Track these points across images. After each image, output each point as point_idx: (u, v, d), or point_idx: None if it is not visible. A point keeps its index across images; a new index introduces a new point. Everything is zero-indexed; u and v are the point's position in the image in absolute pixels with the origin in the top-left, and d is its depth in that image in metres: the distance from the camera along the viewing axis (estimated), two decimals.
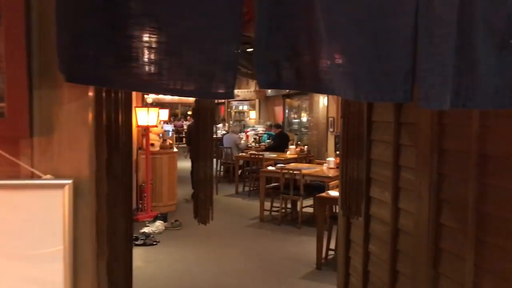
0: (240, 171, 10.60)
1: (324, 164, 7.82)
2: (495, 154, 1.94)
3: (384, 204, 2.85)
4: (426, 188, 2.35)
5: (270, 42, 1.13)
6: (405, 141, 2.66)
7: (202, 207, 2.17)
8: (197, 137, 2.16)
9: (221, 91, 1.12)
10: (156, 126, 7.82)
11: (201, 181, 2.13)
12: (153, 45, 1.10)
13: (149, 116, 7.44)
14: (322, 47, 1.10)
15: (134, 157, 7.49)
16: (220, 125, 17.07)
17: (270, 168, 7.99)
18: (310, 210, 7.51)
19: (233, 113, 19.46)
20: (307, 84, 1.15)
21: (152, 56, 1.10)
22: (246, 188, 10.20)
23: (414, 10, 1.09)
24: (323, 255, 5.53)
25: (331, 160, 7.68)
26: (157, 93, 1.26)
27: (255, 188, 9.68)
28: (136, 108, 7.42)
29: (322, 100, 11.02)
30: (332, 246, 5.51)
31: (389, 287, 2.73)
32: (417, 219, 2.45)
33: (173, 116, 22.79)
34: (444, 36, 1.10)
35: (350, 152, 2.43)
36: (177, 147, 9.66)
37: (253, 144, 12.62)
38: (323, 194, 5.62)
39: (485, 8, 1.11)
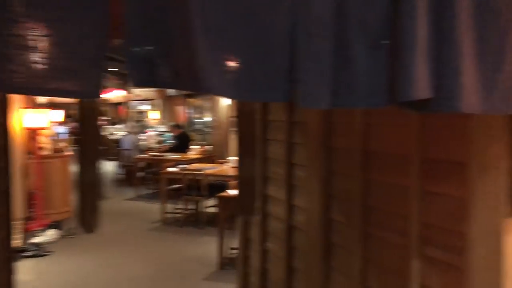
0: (143, 173, 10.28)
1: (226, 164, 7.83)
2: (377, 150, 2.04)
3: (280, 201, 2.89)
4: (317, 185, 2.42)
5: (142, 37, 1.06)
6: (297, 140, 2.71)
7: (87, 214, 2.02)
8: (82, 139, 2.01)
9: (85, 89, 1.02)
10: (46, 128, 7.29)
11: (86, 186, 1.99)
12: (6, 38, 0.97)
13: (38, 118, 6.91)
14: (199, 44, 1.05)
15: (22, 162, 6.91)
16: (119, 126, 16.41)
17: (171, 169, 7.82)
18: (215, 210, 7.48)
19: (133, 113, 18.82)
20: (185, 83, 1.10)
21: (4, 51, 0.97)
22: (148, 191, 9.91)
23: (291, 9, 1.08)
24: (227, 254, 5.52)
25: (233, 159, 7.71)
26: (13, 92, 1.13)
27: (157, 191, 9.42)
28: (22, 109, 6.85)
29: (225, 100, 11.05)
30: (235, 245, 5.52)
31: (285, 284, 2.77)
32: (309, 215, 2.51)
33: (70, 118, 21.46)
34: (321, 36, 1.10)
35: (244, 151, 2.42)
36: (73, 150, 9.09)
37: (155, 145, 12.31)
38: (224, 194, 5.61)
39: (359, 8, 1.13)
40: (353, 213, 2.15)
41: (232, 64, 1.06)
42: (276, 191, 2.95)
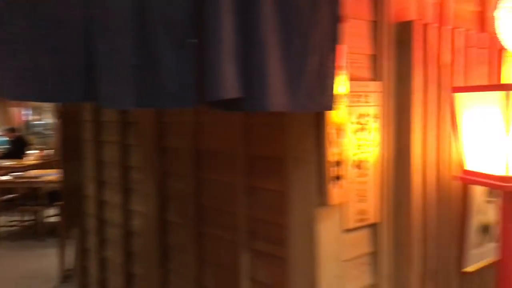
0: None
1: None
2: (208, 149, 2.05)
3: (117, 206, 2.76)
4: (152, 187, 2.35)
5: None
6: (132, 141, 2.61)
7: None
8: None
9: None
10: None
11: None
12: None
13: None
14: None
15: None
16: None
17: (3, 178, 7.01)
18: (57, 219, 6.90)
19: None
20: None
21: None
22: None
23: (85, 2, 1.00)
24: (69, 266, 5.13)
25: None
26: None
27: None
28: None
29: None
30: None
31: None
32: (146, 219, 2.44)
33: None
34: (121, 32, 1.04)
35: (68, 155, 2.25)
36: None
37: None
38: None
39: (163, 6, 1.10)
40: (187, 213, 2.14)
41: (13, 60, 0.95)
42: (112, 196, 2.81)
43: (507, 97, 1.44)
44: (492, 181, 1.57)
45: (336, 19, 1.40)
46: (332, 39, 1.40)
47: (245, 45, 1.20)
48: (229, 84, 1.15)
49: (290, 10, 1.29)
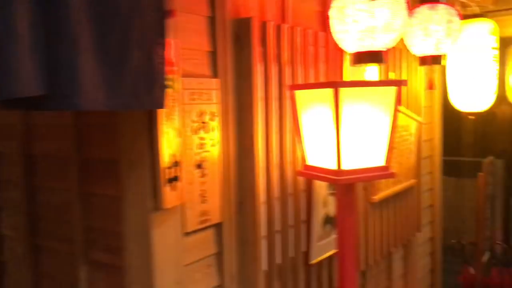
0: None
1: None
2: (39, 153, 1.86)
3: None
4: None
5: None
6: None
7: None
8: None
9: None
10: None
11: None
12: None
13: None
14: None
15: None
16: None
17: None
18: None
19: None
20: None
21: None
22: None
23: None
24: None
25: None
26: None
27: None
28: None
29: None
30: None
31: None
32: None
33: None
34: None
35: None
36: None
37: None
38: None
39: None
40: (20, 225, 1.92)
41: None
42: None
43: (336, 94, 1.49)
44: (327, 175, 1.62)
45: (161, 12, 1.31)
46: (159, 33, 1.31)
47: (51, 38, 1.07)
48: (27, 81, 1.01)
49: (104, 3, 1.18)
